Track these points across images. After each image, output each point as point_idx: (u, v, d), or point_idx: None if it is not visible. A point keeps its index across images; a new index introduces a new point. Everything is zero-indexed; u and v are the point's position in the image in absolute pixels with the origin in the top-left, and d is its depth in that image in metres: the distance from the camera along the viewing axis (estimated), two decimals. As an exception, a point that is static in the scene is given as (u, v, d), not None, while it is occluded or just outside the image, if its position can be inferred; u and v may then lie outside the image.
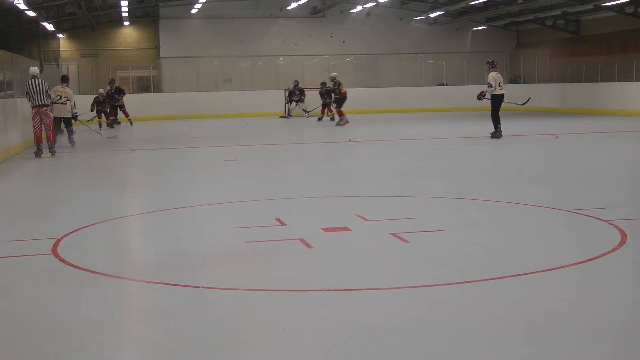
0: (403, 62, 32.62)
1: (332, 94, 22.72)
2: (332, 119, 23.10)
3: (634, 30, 25.95)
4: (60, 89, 15.90)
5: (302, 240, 5.96)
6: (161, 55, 31.78)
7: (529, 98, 18.98)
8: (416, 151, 14.55)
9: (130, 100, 26.05)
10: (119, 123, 23.81)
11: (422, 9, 32.10)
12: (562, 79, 29.07)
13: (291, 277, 4.96)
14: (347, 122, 21.57)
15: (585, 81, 27.39)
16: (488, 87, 15.54)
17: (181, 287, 4.73)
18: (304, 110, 27.01)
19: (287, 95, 27.43)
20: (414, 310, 4.22)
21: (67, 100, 15.71)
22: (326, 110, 24.49)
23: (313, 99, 26.05)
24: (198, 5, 29.88)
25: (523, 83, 31.06)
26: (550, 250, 5.65)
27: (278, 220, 6.91)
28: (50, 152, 13.90)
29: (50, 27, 27.47)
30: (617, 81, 25.31)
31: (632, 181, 9.65)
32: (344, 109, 22.11)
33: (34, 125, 13.93)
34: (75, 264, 5.36)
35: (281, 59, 32.35)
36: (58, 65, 29.23)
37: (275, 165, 12.59)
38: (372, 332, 3.83)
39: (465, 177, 10.39)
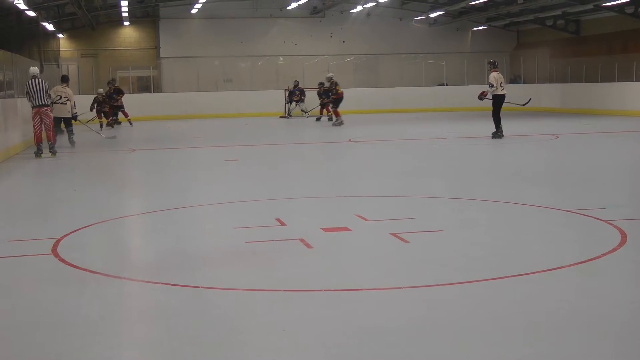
0: (403, 62, 32.62)
1: (330, 94, 22.72)
2: (330, 119, 23.10)
3: (634, 30, 25.94)
4: (60, 89, 15.90)
5: (302, 240, 5.96)
6: (161, 55, 31.78)
7: (530, 99, 19.00)
8: (416, 151, 14.55)
9: (130, 100, 26.05)
10: (120, 123, 23.82)
11: (422, 9, 32.10)
12: (562, 79, 29.07)
13: (291, 277, 4.96)
14: (341, 123, 21.56)
15: (586, 81, 27.39)
16: (489, 87, 15.55)
17: (181, 287, 4.73)
18: (302, 110, 27.00)
19: (287, 95, 27.43)
20: (414, 310, 4.22)
21: (67, 100, 15.72)
22: (324, 110, 24.48)
23: (313, 99, 26.06)
24: (198, 5, 29.89)
25: (523, 83, 31.07)
26: (550, 250, 5.65)
27: (278, 220, 6.91)
28: (50, 152, 13.90)
29: (50, 27, 27.47)
30: (617, 81, 25.31)
31: (632, 181, 9.65)
32: (340, 108, 22.10)
33: (34, 125, 13.93)
34: (75, 264, 5.36)
35: (281, 59, 32.35)
36: (58, 65, 29.24)
37: (275, 165, 12.59)
38: (372, 332, 3.83)
39: (465, 177, 10.39)
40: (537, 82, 30.32)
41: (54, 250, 5.78)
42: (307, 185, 10.00)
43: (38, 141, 13.88)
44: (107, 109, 23.05)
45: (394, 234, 6.10)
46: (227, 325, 4.02)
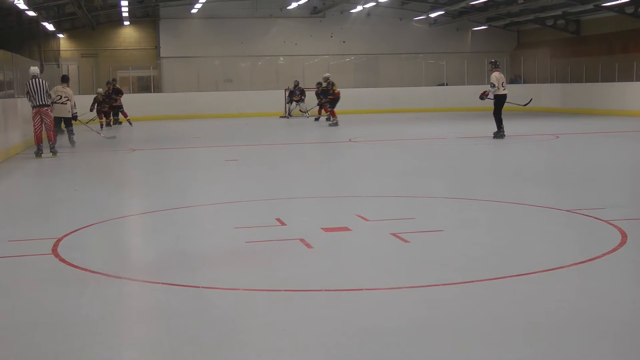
0: (403, 62, 32.62)
1: (327, 94, 22.71)
2: (328, 119, 23.10)
3: (634, 30, 25.94)
4: (60, 88, 15.91)
5: (302, 240, 5.96)
6: (161, 55, 31.79)
7: (531, 99, 19.01)
8: (416, 151, 14.55)
9: (131, 100, 26.07)
10: (120, 123, 23.81)
11: (423, 9, 32.10)
12: (563, 79, 29.08)
13: (291, 277, 4.96)
14: (336, 123, 21.57)
15: (586, 81, 27.40)
16: (491, 87, 15.55)
17: (181, 287, 4.73)
18: (301, 110, 26.99)
19: (287, 95, 27.43)
20: (414, 310, 4.22)
21: (67, 100, 15.73)
22: (322, 110, 24.48)
23: (313, 99, 26.07)
24: (198, 5, 29.90)
25: (523, 83, 31.07)
26: (551, 250, 5.65)
27: (278, 220, 6.91)
28: (51, 151, 13.91)
29: (50, 27, 27.48)
30: (618, 81, 25.31)
31: (632, 181, 9.65)
32: (340, 108, 22.08)
33: (34, 125, 13.94)
34: (75, 264, 5.36)
35: (281, 59, 32.35)
36: (58, 65, 29.25)
37: (275, 165, 12.59)
38: (372, 332, 3.83)
39: (465, 177, 10.39)
40: (538, 82, 30.33)
41: (54, 250, 5.78)
42: (307, 185, 10.00)
43: (38, 141, 13.88)
44: (106, 109, 23.06)
45: (394, 234, 6.10)
46: (227, 325, 4.02)
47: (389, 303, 4.40)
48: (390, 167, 11.73)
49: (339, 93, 22.11)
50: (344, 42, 32.78)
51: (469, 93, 27.95)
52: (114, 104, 23.28)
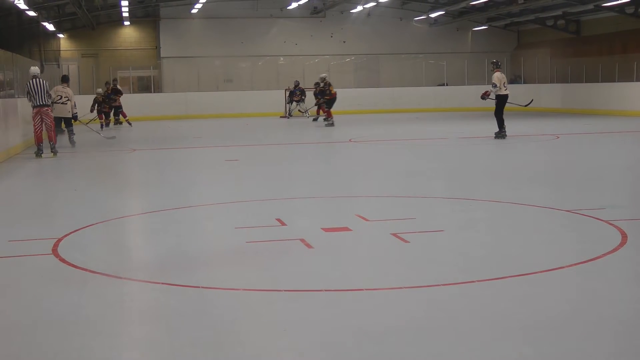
0: (403, 62, 32.62)
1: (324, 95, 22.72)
2: (326, 119, 23.08)
3: (634, 30, 25.95)
4: (60, 89, 15.91)
5: (302, 240, 5.96)
6: (161, 55, 31.80)
7: (532, 100, 19.01)
8: (417, 151, 14.55)
9: (131, 100, 26.08)
10: (121, 123, 23.81)
11: (423, 9, 32.11)
12: (563, 79, 29.07)
13: (291, 277, 4.96)
14: (332, 124, 21.58)
15: (586, 81, 27.40)
16: (493, 87, 15.55)
17: (181, 287, 4.73)
18: (300, 110, 26.99)
19: (287, 95, 27.43)
20: (413, 310, 4.22)
21: (68, 100, 15.73)
22: (321, 110, 24.47)
23: (313, 99, 26.06)
24: (198, 5, 29.90)
25: (524, 83, 31.08)
26: (551, 250, 5.65)
27: (278, 220, 6.91)
28: (52, 152, 13.91)
29: (50, 27, 27.49)
30: (618, 81, 25.31)
31: (632, 181, 9.65)
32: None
33: (34, 125, 13.94)
34: (75, 264, 5.36)
35: (282, 59, 32.36)
36: (58, 65, 29.26)
37: (275, 165, 12.58)
38: (372, 332, 3.83)
39: (466, 177, 10.39)
40: (538, 82, 30.33)
41: (55, 250, 5.78)
42: (307, 185, 10.00)
43: (38, 141, 13.88)
44: (106, 109, 23.06)
45: (394, 234, 6.10)
46: (227, 325, 4.02)
47: (389, 303, 4.39)
48: (391, 167, 11.73)
49: (335, 93, 22.13)
50: (344, 42, 32.79)
51: (469, 93, 27.99)
52: (113, 104, 23.28)
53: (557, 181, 9.79)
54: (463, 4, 28.88)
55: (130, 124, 23.58)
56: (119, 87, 24.23)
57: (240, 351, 3.66)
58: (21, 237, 6.53)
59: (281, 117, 27.40)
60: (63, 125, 16.00)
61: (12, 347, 3.78)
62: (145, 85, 31.92)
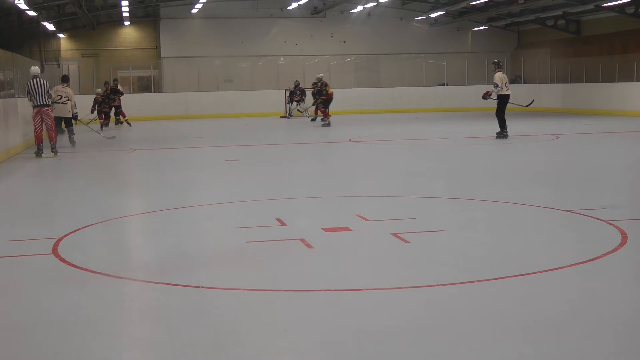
0: (404, 62, 32.62)
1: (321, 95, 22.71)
2: (323, 119, 23.09)
3: (634, 30, 25.94)
4: (60, 88, 15.91)
5: (302, 240, 5.96)
6: (162, 55, 31.80)
7: (533, 100, 19.01)
8: (417, 151, 14.55)
9: (131, 100, 26.08)
10: (122, 123, 23.80)
11: (423, 9, 32.11)
12: (563, 79, 29.07)
13: (291, 277, 4.96)
14: (328, 124, 21.57)
15: (586, 81, 27.40)
16: (494, 87, 15.56)
17: (181, 287, 4.73)
18: (299, 110, 26.98)
19: (287, 95, 27.42)
20: (414, 310, 4.22)
21: (68, 100, 15.73)
22: (319, 110, 24.46)
23: (312, 99, 26.07)
24: (199, 5, 29.90)
25: (524, 83, 31.07)
26: (551, 250, 5.65)
27: (278, 220, 6.91)
28: (52, 151, 13.91)
29: (50, 26, 27.49)
30: (618, 81, 25.31)
31: (632, 181, 9.65)
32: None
33: (34, 125, 13.94)
34: (75, 264, 5.36)
35: (282, 59, 32.36)
36: (59, 65, 29.26)
37: (275, 165, 12.58)
38: (372, 332, 3.83)
39: (466, 177, 10.39)
40: (538, 82, 30.33)
41: (55, 250, 5.78)
42: (307, 185, 10.00)
43: (39, 141, 13.88)
44: (107, 110, 23.06)
45: (394, 234, 6.10)
46: (227, 325, 4.02)
47: (389, 303, 4.39)
48: (391, 167, 11.73)
49: (332, 94, 22.14)
50: (344, 42, 32.79)
51: (469, 93, 28.01)
52: (112, 104, 23.28)
53: (557, 181, 9.79)
54: (463, 4, 28.88)
55: (129, 124, 23.57)
56: (119, 87, 24.22)
57: (240, 351, 3.66)
58: (21, 237, 6.53)
59: (281, 117, 27.40)
60: (63, 125, 16.00)
61: (12, 347, 3.78)
62: (146, 85, 31.92)
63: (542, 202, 7.71)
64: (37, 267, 5.41)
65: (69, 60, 31.26)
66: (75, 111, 15.94)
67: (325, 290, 4.63)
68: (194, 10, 30.84)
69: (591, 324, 3.92)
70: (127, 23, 31.74)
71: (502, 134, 15.62)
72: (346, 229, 6.45)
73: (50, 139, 14.00)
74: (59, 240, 6.16)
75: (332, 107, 22.13)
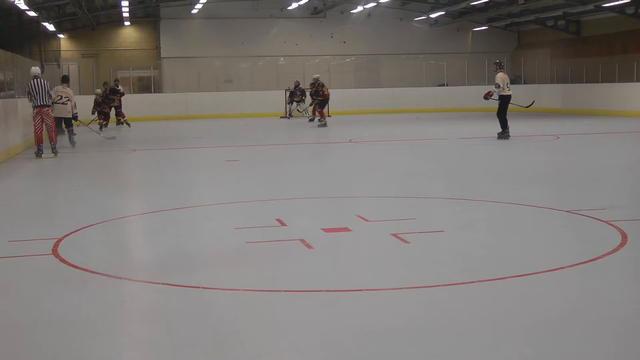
0: (404, 63, 32.62)
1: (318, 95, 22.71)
2: (319, 119, 23.11)
3: (634, 30, 25.94)
4: (60, 89, 15.90)
5: (302, 240, 5.96)
6: (162, 56, 31.79)
7: (534, 101, 19.01)
8: (417, 152, 14.55)
9: (131, 100, 26.07)
10: (122, 124, 23.79)
11: (423, 10, 32.11)
12: (563, 80, 29.07)
13: (291, 277, 4.96)
14: (325, 124, 21.58)
15: (586, 82, 27.40)
16: (496, 87, 15.56)
17: (181, 287, 4.73)
18: (298, 110, 26.97)
19: (287, 95, 27.42)
20: (414, 311, 4.22)
21: (68, 100, 15.72)
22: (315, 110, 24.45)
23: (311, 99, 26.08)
24: (199, 6, 29.90)
25: (524, 84, 31.07)
26: (551, 250, 5.65)
27: (278, 220, 6.91)
28: (52, 152, 13.91)
29: (51, 27, 27.49)
30: (618, 82, 25.31)
31: (632, 182, 9.65)
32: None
33: (34, 126, 13.93)
34: (75, 264, 5.36)
35: (282, 59, 32.35)
36: (59, 65, 29.26)
37: (275, 165, 12.58)
38: (372, 332, 3.83)
39: (466, 177, 10.39)
40: (538, 83, 30.33)
41: (55, 250, 5.78)
42: (307, 185, 10.00)
43: (39, 141, 13.88)
44: (107, 110, 23.05)
45: (394, 235, 6.10)
46: (227, 325, 4.02)
47: (388, 303, 4.40)
48: (391, 168, 11.73)
49: (328, 94, 22.17)
50: (344, 42, 32.79)
51: (469, 93, 28.03)
52: (111, 105, 23.27)
53: (557, 181, 9.79)
54: (463, 5, 28.88)
55: (128, 124, 23.55)
56: (120, 87, 24.21)
57: (240, 351, 3.66)
58: (21, 237, 6.53)
59: (281, 117, 27.39)
60: (63, 125, 16.00)
61: (12, 347, 3.78)
62: (146, 86, 31.92)
63: (542, 203, 7.71)
64: (37, 267, 5.41)
65: (69, 60, 31.26)
66: (75, 111, 15.93)
67: (325, 290, 4.63)
68: (194, 11, 30.83)
69: (591, 324, 3.92)
70: (127, 23, 31.73)
71: (504, 134, 15.61)
72: (346, 229, 6.46)
73: (51, 140, 14.00)
74: (59, 240, 6.16)
75: (332, 107, 22.15)
